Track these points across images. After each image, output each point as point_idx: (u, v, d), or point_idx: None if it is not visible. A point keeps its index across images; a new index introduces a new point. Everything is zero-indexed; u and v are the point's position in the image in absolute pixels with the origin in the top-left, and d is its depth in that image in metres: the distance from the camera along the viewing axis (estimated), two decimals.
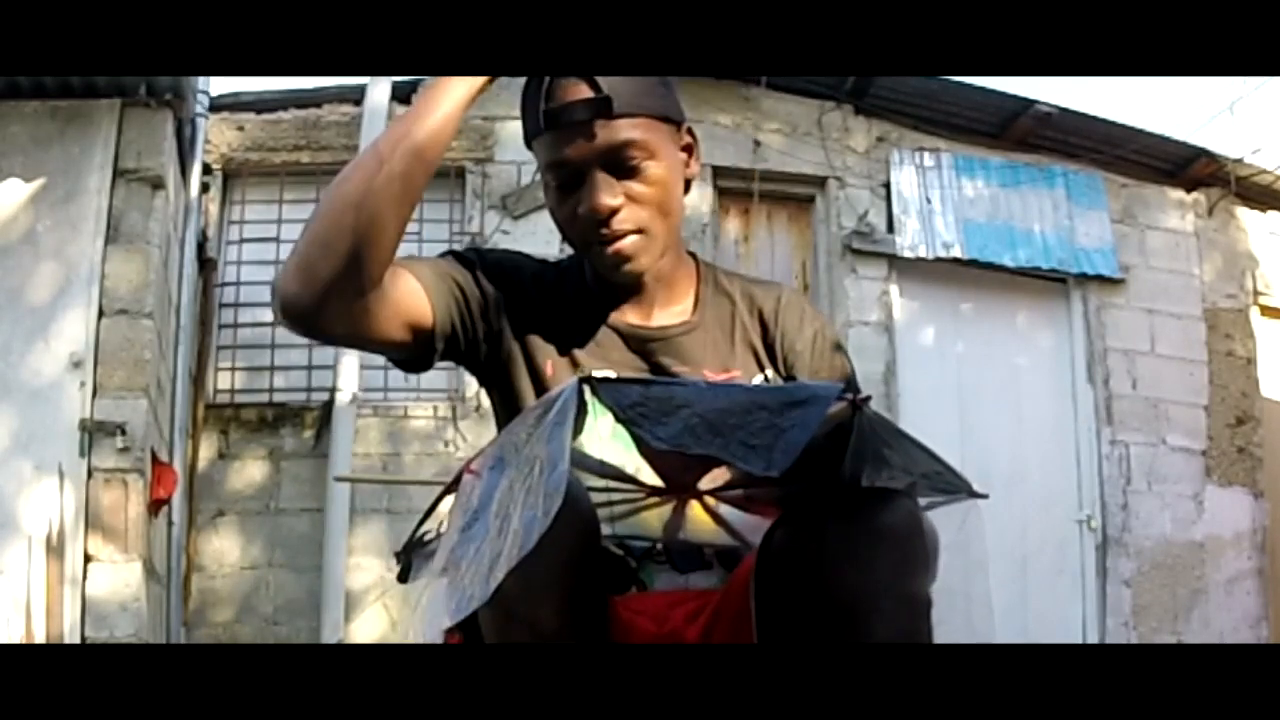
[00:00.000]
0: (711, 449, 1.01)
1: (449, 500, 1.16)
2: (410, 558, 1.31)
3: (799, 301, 1.53)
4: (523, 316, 1.42)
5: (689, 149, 1.45)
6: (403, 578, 1.34)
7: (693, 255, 1.54)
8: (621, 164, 1.35)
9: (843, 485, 1.10)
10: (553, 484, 0.96)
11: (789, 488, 1.22)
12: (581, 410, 1.02)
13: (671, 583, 1.38)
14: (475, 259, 1.43)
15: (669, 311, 1.46)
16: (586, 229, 1.37)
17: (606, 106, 1.32)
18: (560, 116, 1.34)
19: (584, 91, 1.33)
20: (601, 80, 1.33)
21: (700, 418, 1.02)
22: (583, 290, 1.45)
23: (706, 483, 1.32)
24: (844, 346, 1.56)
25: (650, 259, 1.40)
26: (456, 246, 1.51)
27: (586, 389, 1.01)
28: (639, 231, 1.38)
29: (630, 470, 1.30)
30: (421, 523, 1.28)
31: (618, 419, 1.03)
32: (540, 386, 1.39)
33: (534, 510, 0.96)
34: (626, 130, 1.34)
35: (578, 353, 1.41)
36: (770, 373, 1.47)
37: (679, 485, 1.34)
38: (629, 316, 1.45)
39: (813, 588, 1.13)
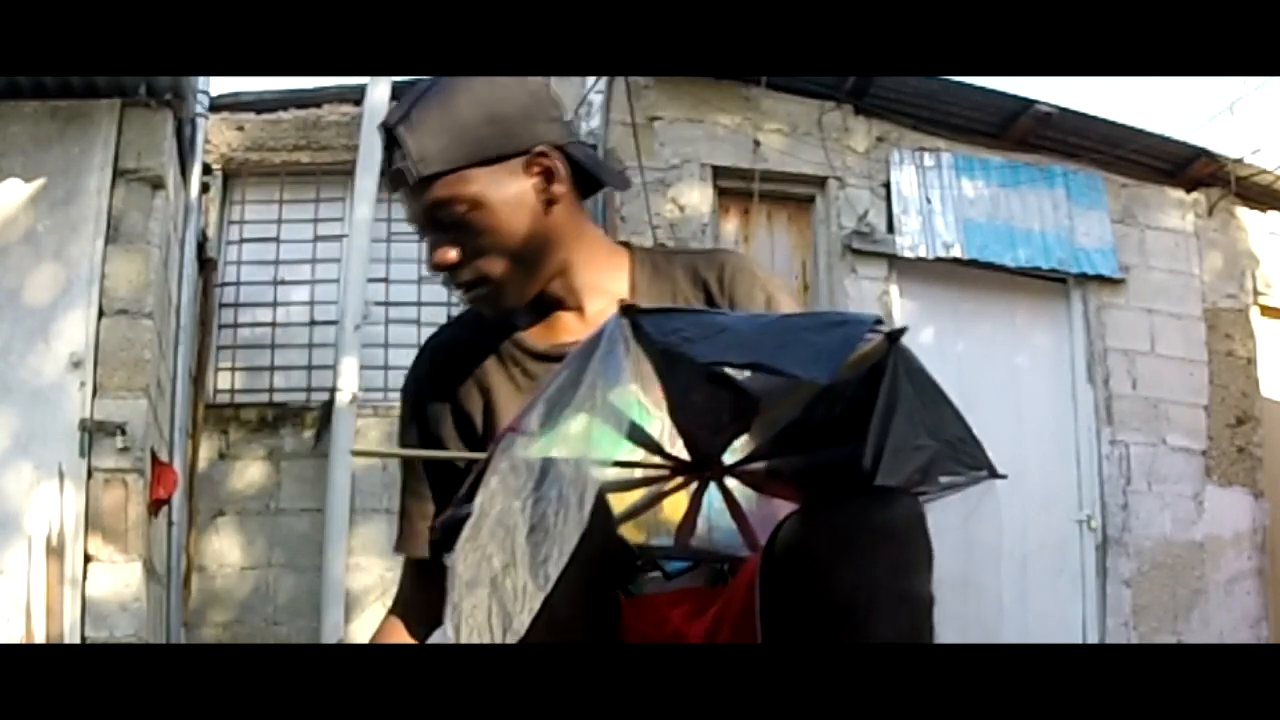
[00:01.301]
0: (759, 356, 1.01)
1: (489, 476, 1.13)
2: (447, 533, 1.27)
3: (748, 267, 1.47)
4: (462, 395, 1.44)
5: (544, 171, 1.38)
6: (442, 548, 1.31)
7: (626, 245, 1.50)
8: (441, 223, 1.36)
9: (864, 460, 1.07)
10: (616, 394, 1.00)
11: (816, 455, 1.19)
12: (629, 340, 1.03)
13: (659, 588, 1.36)
14: (413, 395, 1.48)
15: (595, 317, 1.41)
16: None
17: (402, 179, 1.34)
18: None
19: (393, 160, 1.35)
20: (412, 138, 1.33)
21: (742, 336, 1.03)
22: (503, 324, 1.45)
23: (730, 457, 1.27)
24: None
25: (510, 298, 1.40)
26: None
27: (626, 322, 1.02)
28: (481, 281, 1.38)
29: (657, 435, 1.25)
30: (464, 499, 1.24)
31: (658, 345, 1.04)
32: (475, 443, 1.42)
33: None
34: (436, 190, 1.34)
35: (503, 396, 1.42)
36: None
37: (704, 456, 1.28)
38: (552, 335, 1.44)
39: (813, 587, 1.13)
